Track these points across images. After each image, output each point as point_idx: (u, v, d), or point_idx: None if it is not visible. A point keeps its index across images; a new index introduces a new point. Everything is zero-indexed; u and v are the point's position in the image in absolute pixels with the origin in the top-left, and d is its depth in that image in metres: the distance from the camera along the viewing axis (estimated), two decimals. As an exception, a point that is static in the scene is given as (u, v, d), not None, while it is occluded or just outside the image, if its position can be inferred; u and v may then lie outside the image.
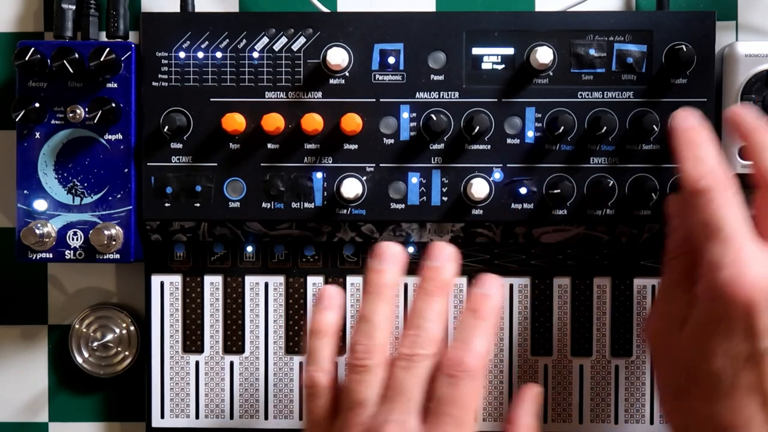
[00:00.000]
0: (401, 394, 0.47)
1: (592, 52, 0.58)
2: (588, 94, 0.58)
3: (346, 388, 0.49)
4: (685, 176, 0.48)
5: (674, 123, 0.50)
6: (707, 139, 0.49)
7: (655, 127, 0.57)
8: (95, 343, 0.63)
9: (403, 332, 0.49)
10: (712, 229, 0.47)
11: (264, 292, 0.61)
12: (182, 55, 0.58)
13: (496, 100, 0.58)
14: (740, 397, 0.46)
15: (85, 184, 0.59)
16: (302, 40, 0.58)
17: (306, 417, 0.51)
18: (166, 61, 0.59)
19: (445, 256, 0.51)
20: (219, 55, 0.58)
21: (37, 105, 0.58)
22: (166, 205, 0.59)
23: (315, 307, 0.52)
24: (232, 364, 0.61)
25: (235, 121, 0.58)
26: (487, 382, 0.48)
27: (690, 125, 0.50)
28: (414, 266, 0.61)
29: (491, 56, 0.58)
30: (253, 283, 0.61)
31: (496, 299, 0.50)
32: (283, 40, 0.58)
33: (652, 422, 0.60)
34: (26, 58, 0.57)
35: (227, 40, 0.59)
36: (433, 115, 0.57)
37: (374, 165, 0.59)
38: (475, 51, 0.58)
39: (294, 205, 0.59)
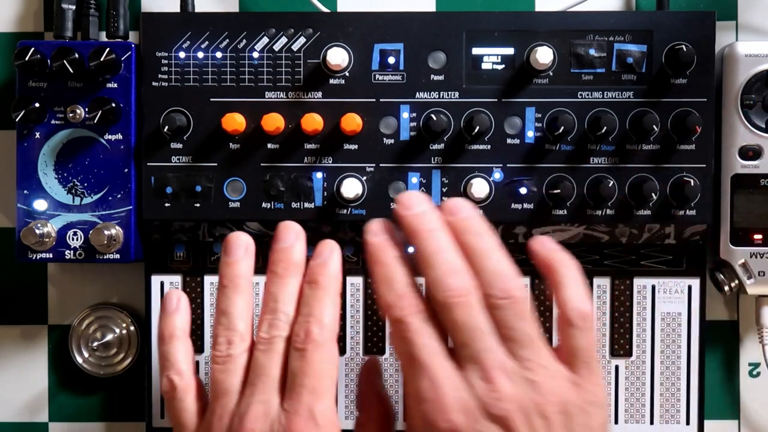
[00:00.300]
0: (262, 376, 0.48)
1: (592, 52, 0.58)
2: (588, 94, 0.58)
3: (211, 380, 0.49)
4: (380, 302, 0.48)
5: (365, 236, 0.50)
6: (395, 256, 0.49)
7: (655, 127, 0.57)
8: (95, 343, 0.63)
9: (260, 317, 0.50)
10: (409, 359, 0.47)
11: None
12: (182, 55, 0.58)
13: (496, 100, 0.58)
14: None
15: (85, 184, 0.59)
16: (302, 40, 0.58)
17: (172, 423, 0.50)
18: (166, 61, 0.59)
19: (293, 235, 0.51)
20: (219, 55, 0.58)
21: (37, 105, 0.58)
22: (166, 205, 0.59)
23: (160, 313, 0.52)
24: (232, 364, 0.61)
25: (235, 121, 0.58)
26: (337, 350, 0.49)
27: (377, 241, 0.49)
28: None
29: (491, 56, 0.58)
30: (253, 282, 0.61)
31: (333, 266, 0.50)
32: (283, 40, 0.58)
33: (652, 422, 0.60)
34: (26, 58, 0.57)
35: (227, 40, 0.59)
36: (433, 115, 0.57)
37: (374, 165, 0.59)
38: (475, 51, 0.58)
39: (294, 205, 0.59)
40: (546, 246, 0.51)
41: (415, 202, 0.49)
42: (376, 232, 0.50)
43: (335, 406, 0.48)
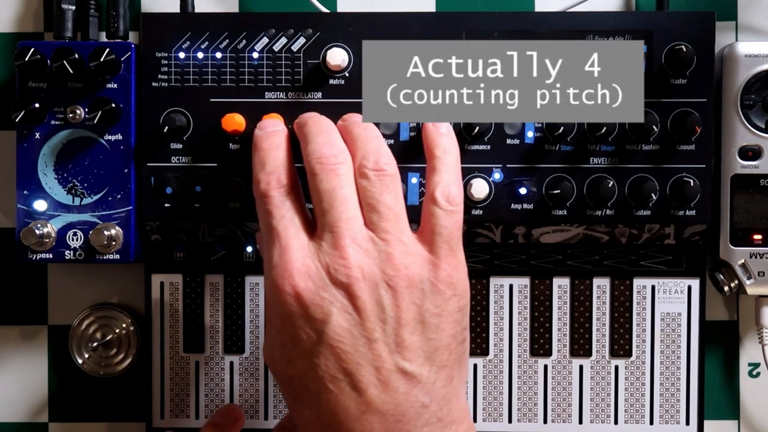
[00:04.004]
0: None
1: (592, 52, 0.58)
2: (588, 95, 0.58)
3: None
4: (253, 181, 0.50)
5: (255, 133, 0.53)
6: (278, 144, 0.51)
7: (655, 127, 0.57)
8: (95, 344, 0.63)
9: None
10: (267, 230, 0.49)
11: (264, 292, 0.61)
12: (182, 55, 0.58)
13: (496, 100, 0.58)
14: (330, 390, 0.46)
15: (85, 185, 0.59)
16: (302, 40, 0.58)
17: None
18: (165, 62, 0.59)
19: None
20: (219, 55, 0.58)
21: (37, 105, 0.58)
22: (166, 205, 0.59)
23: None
24: (232, 364, 0.61)
25: (235, 121, 0.58)
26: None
27: (261, 133, 0.52)
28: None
29: (491, 56, 0.58)
30: (253, 283, 0.61)
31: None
32: (283, 40, 0.58)
33: (652, 422, 0.60)
34: (26, 59, 0.57)
35: (227, 41, 0.59)
36: (433, 116, 0.57)
37: (374, 165, 0.59)
38: (475, 51, 0.58)
39: (294, 205, 0.59)
40: (437, 128, 0.52)
41: (312, 113, 0.53)
42: (263, 126, 0.53)
43: None
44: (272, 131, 0.52)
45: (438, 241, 0.48)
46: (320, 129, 0.51)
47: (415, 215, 0.58)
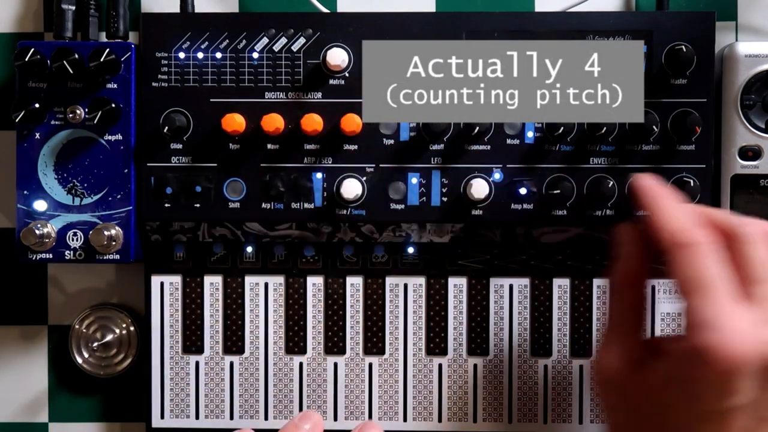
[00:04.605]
0: None
1: (592, 52, 0.58)
2: (588, 95, 0.58)
3: None
4: (665, 228, 0.47)
5: (635, 183, 0.49)
6: (675, 197, 0.48)
7: (654, 127, 0.57)
8: (95, 344, 0.63)
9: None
10: (696, 285, 0.45)
11: (264, 292, 0.61)
12: (182, 55, 0.58)
13: (496, 100, 0.58)
14: None
15: (85, 185, 0.59)
16: (302, 40, 0.58)
17: None
18: (165, 62, 0.59)
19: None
20: (219, 55, 0.58)
21: (36, 105, 0.58)
22: (166, 205, 0.59)
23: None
24: (232, 364, 0.61)
25: (234, 122, 0.58)
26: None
27: (652, 183, 0.49)
28: (413, 267, 0.61)
29: (491, 56, 0.58)
30: (253, 283, 0.61)
31: None
32: (283, 40, 0.58)
33: (651, 422, 0.60)
34: (26, 59, 0.57)
35: (227, 41, 0.59)
36: (433, 116, 0.57)
37: (374, 165, 0.59)
38: (475, 51, 0.58)
39: (294, 205, 0.59)
40: (761, 252, 0.47)
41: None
42: (646, 177, 0.49)
43: None
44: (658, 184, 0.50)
45: None
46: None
47: (414, 215, 0.58)
